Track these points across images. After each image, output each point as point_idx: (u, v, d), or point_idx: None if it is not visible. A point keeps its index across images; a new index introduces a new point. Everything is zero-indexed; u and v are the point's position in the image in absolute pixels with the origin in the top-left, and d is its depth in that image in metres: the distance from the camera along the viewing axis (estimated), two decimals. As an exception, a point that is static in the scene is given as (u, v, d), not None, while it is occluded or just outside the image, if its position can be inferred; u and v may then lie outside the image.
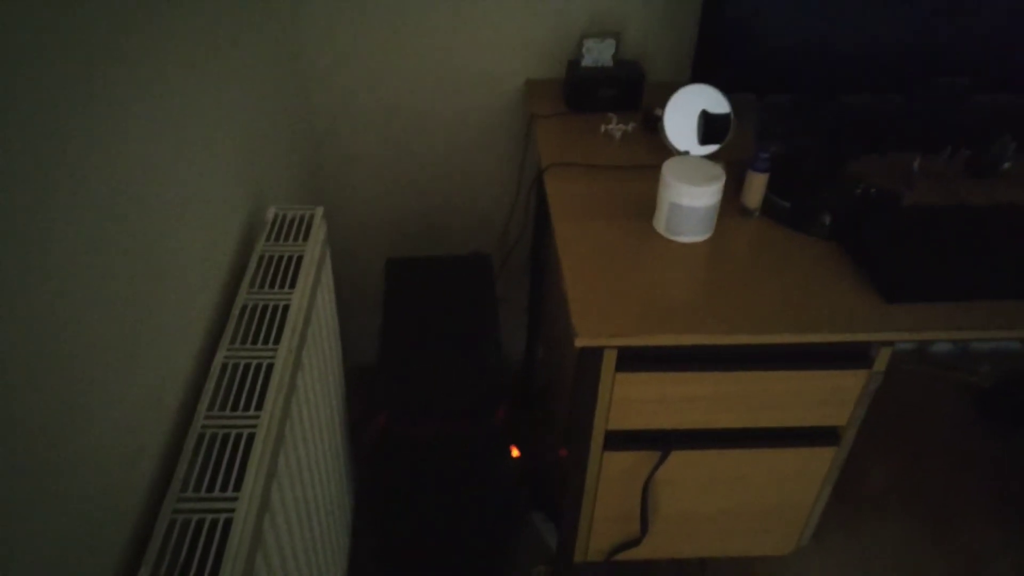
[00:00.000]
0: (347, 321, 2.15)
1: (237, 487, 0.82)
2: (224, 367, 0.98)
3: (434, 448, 1.39)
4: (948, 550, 1.84)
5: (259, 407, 0.92)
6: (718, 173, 1.24)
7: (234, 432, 0.88)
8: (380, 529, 1.78)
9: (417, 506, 1.48)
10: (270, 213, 1.27)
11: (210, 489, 0.82)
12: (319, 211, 1.28)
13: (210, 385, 0.94)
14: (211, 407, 0.92)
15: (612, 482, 1.35)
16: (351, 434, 1.66)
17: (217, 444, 0.88)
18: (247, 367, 0.98)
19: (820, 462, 1.35)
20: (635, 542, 1.45)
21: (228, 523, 0.78)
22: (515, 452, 1.94)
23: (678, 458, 1.32)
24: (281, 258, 1.18)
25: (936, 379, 2.28)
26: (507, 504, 1.84)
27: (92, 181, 0.73)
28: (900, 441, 2.10)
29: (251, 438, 0.88)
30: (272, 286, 1.12)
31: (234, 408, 0.92)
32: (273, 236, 1.22)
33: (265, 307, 1.08)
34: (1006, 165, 1.44)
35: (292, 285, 1.12)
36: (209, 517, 0.79)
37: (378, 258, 2.06)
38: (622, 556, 1.48)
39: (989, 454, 2.07)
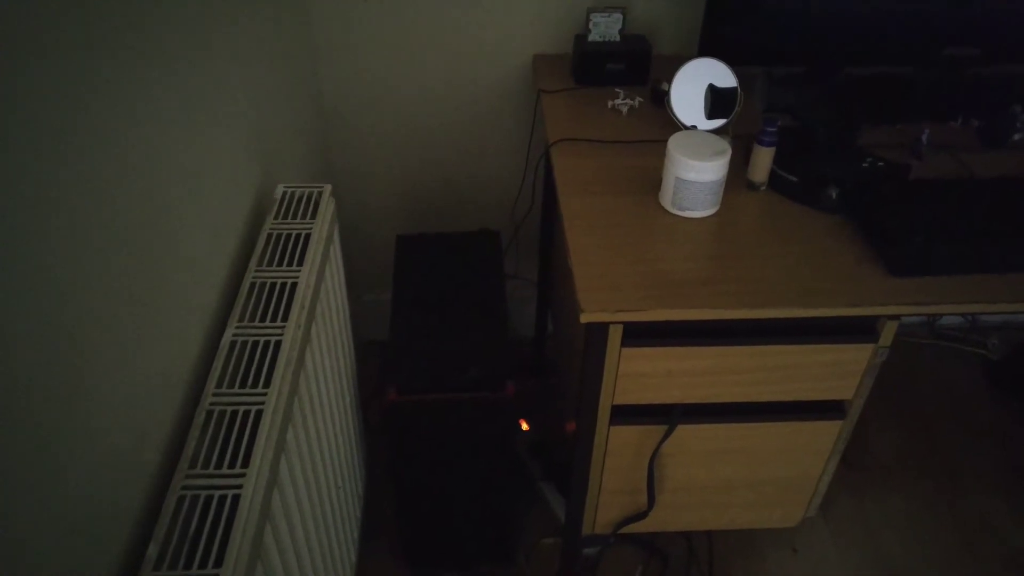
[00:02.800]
0: (359, 296, 2.17)
1: (245, 463, 0.84)
2: (233, 344, 0.99)
3: (444, 421, 1.41)
4: (957, 519, 1.85)
5: (267, 383, 0.94)
6: (724, 148, 1.24)
7: (242, 408, 0.90)
8: (391, 500, 1.80)
9: (427, 478, 1.50)
10: (279, 190, 1.28)
11: (218, 465, 0.83)
12: (327, 188, 1.29)
13: (219, 362, 0.96)
14: (219, 384, 0.93)
15: (619, 456, 1.36)
16: (362, 408, 1.68)
17: (226, 420, 0.89)
18: (255, 344, 0.99)
19: (826, 435, 1.36)
20: (642, 515, 1.46)
21: (236, 499, 0.80)
22: (525, 426, 1.95)
23: (684, 432, 1.33)
24: (290, 235, 1.19)
25: (945, 351, 2.28)
26: (517, 476, 1.86)
27: (100, 156, 0.74)
28: (910, 411, 2.10)
29: (259, 414, 0.90)
30: (280, 263, 1.13)
31: (242, 385, 0.94)
32: (282, 214, 1.23)
33: (273, 284, 1.09)
34: (1016, 136, 1.43)
35: (300, 262, 1.13)
36: (217, 493, 0.80)
37: (389, 234, 2.07)
38: (629, 529, 1.50)
39: (998, 425, 2.07)
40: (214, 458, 0.85)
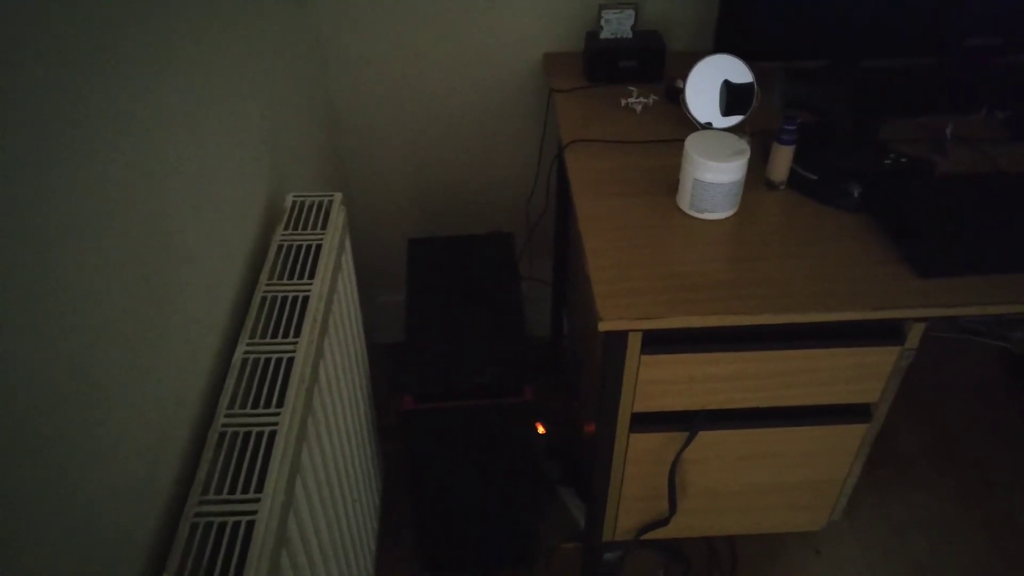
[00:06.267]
0: (372, 300, 2.15)
1: (259, 487, 0.82)
2: (244, 362, 0.97)
3: (461, 427, 1.39)
4: (983, 515, 1.81)
5: (280, 403, 0.92)
6: (743, 147, 1.21)
7: (255, 430, 0.88)
8: (407, 506, 1.79)
9: (444, 484, 1.48)
10: (289, 200, 1.26)
11: (232, 490, 0.81)
12: (337, 197, 1.27)
13: (230, 381, 0.94)
14: (232, 404, 0.91)
15: (639, 463, 1.34)
16: (377, 415, 1.66)
17: (239, 443, 0.87)
18: (268, 361, 0.97)
19: (851, 439, 1.33)
20: (664, 521, 1.44)
21: (251, 524, 0.78)
22: (541, 429, 1.93)
23: (706, 438, 1.31)
24: (300, 247, 1.16)
25: (967, 345, 2.24)
26: (535, 480, 1.84)
27: (105, 168, 0.72)
28: (932, 407, 2.07)
29: (273, 435, 0.88)
30: (291, 276, 1.11)
31: (255, 405, 0.92)
32: (292, 224, 1.21)
33: (285, 298, 1.07)
34: (1043, 129, 1.39)
35: (312, 275, 1.11)
36: (231, 519, 0.78)
37: (402, 236, 2.05)
38: (651, 534, 1.47)
39: (1022, 419, 2.03)
40: (227, 482, 0.83)
